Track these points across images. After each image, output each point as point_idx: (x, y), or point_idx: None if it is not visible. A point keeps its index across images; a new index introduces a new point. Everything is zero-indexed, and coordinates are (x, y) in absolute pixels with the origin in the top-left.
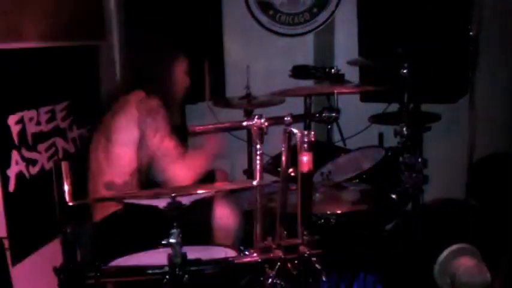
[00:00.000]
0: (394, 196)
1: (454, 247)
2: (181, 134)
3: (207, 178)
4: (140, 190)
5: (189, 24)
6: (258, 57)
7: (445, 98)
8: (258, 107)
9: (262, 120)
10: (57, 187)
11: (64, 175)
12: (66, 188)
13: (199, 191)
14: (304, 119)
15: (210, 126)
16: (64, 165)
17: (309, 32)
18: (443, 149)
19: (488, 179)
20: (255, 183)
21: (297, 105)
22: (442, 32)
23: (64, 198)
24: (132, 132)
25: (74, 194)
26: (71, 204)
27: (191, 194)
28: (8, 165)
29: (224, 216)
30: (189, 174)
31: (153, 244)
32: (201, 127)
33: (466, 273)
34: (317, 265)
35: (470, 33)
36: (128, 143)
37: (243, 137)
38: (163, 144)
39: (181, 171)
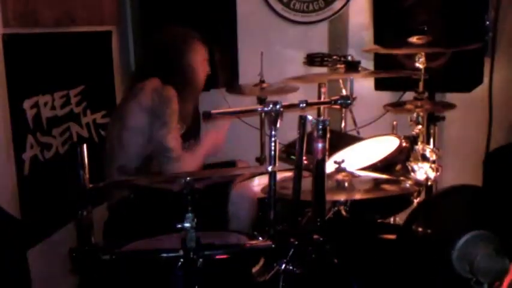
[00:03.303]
0: (407, 185)
1: (472, 233)
2: (195, 120)
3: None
4: (153, 175)
5: (203, 11)
6: (272, 45)
7: (460, 87)
8: (271, 95)
9: (278, 106)
10: (74, 170)
11: (81, 159)
12: (83, 171)
13: (214, 176)
14: (319, 105)
15: (226, 111)
16: (82, 148)
17: (324, 19)
18: (458, 138)
19: (505, 169)
20: (269, 168)
21: (310, 93)
22: (458, 20)
23: (81, 180)
24: (144, 119)
25: (90, 178)
26: (87, 187)
27: (206, 179)
28: (23, 149)
29: (238, 202)
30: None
31: (165, 229)
32: (217, 111)
33: (485, 259)
34: (330, 251)
35: (487, 22)
36: (139, 130)
37: (255, 124)
38: (167, 138)
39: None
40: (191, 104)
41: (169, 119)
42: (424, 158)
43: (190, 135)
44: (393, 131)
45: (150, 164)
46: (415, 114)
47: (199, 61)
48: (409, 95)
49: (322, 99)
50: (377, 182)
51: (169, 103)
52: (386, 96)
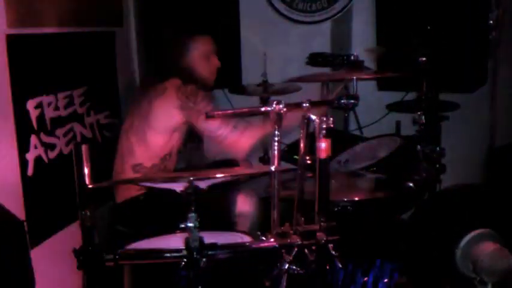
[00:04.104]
0: (411, 185)
1: (476, 232)
2: None
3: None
4: (162, 174)
5: (205, 11)
6: (275, 45)
7: (463, 87)
8: (274, 95)
9: (281, 106)
10: (77, 170)
11: (84, 158)
12: (86, 170)
13: (217, 176)
14: (323, 105)
15: (228, 112)
16: (84, 148)
17: (326, 19)
18: (461, 138)
19: (508, 168)
20: (272, 168)
21: (313, 93)
22: (461, 21)
23: (84, 180)
24: (174, 118)
25: (93, 177)
26: (90, 186)
27: (209, 179)
28: (27, 150)
29: (242, 202)
30: (244, 143)
31: (170, 228)
32: (219, 112)
33: (488, 258)
34: (333, 252)
35: (490, 21)
36: (165, 130)
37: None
38: (210, 123)
39: (236, 142)
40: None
41: (202, 107)
42: (427, 158)
43: (194, 136)
44: (396, 130)
45: (165, 162)
46: (418, 114)
47: (209, 57)
48: (412, 95)
49: (325, 99)
50: (380, 182)
51: (196, 95)
52: (390, 96)
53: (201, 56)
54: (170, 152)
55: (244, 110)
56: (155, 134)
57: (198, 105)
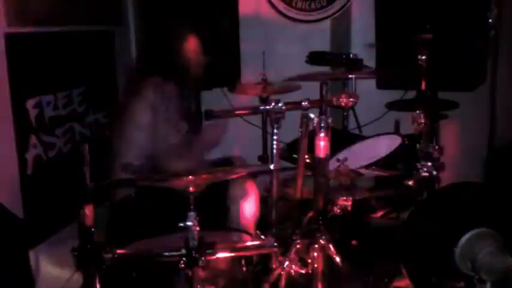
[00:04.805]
0: (410, 183)
1: (475, 231)
2: (196, 120)
3: (225, 165)
4: (157, 173)
5: (205, 10)
6: (274, 44)
7: (463, 85)
8: (274, 93)
9: (280, 105)
10: (77, 169)
11: (84, 157)
12: (86, 169)
13: (217, 175)
14: (322, 104)
15: (228, 110)
16: (85, 148)
17: (326, 18)
18: (460, 137)
19: (507, 167)
20: (271, 167)
21: (312, 92)
22: (461, 19)
23: (84, 179)
24: (147, 116)
25: (92, 177)
26: (90, 185)
27: (209, 178)
28: (26, 149)
29: (241, 201)
30: (187, 165)
31: (167, 228)
32: (218, 110)
33: (487, 257)
34: (333, 251)
35: (489, 20)
36: (144, 127)
37: (257, 123)
38: (167, 135)
39: (180, 164)
40: (192, 101)
41: (170, 115)
42: (427, 156)
43: (192, 134)
44: (395, 129)
45: (154, 162)
46: (417, 113)
47: (194, 54)
48: (411, 94)
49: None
50: (379, 180)
51: (170, 99)
52: (389, 95)
53: (192, 54)
54: (156, 151)
55: (243, 108)
56: (137, 133)
57: (166, 112)
